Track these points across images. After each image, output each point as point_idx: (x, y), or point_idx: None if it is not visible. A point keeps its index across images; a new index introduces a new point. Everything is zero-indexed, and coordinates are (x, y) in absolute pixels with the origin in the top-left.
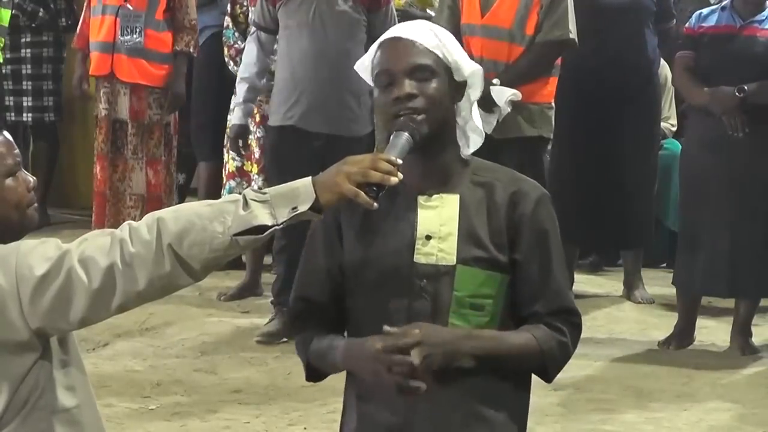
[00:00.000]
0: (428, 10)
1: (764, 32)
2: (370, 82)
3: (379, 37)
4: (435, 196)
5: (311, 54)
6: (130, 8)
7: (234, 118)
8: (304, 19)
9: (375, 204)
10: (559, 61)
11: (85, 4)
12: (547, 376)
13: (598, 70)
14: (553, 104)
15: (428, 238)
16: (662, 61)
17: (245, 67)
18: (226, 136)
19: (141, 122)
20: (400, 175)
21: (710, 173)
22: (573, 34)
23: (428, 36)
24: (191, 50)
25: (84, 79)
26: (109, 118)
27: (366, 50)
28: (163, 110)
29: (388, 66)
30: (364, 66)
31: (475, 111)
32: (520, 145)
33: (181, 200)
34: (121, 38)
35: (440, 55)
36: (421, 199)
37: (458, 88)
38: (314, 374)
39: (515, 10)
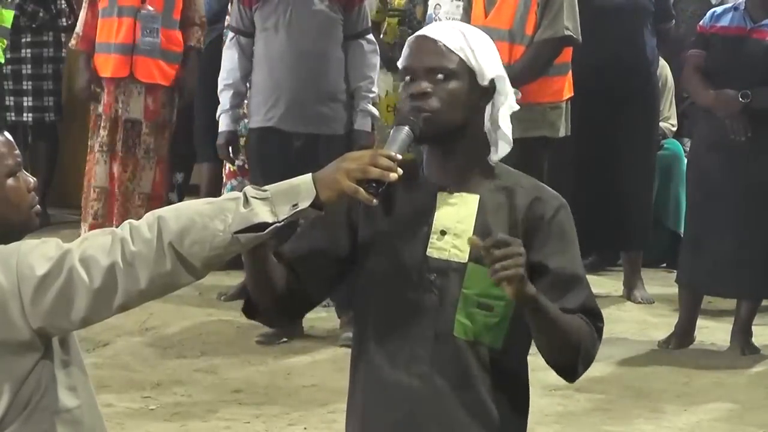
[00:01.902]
0: None
1: None
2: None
3: (352, 35)
4: (456, 193)
5: (289, 55)
6: (150, 9)
7: (222, 125)
8: (281, 20)
9: (374, 200)
10: (567, 59)
11: (84, 5)
12: (574, 373)
13: (597, 70)
14: (561, 104)
15: (443, 233)
16: (662, 61)
17: (228, 74)
18: None
19: (156, 122)
20: (400, 171)
21: (717, 174)
22: (570, 31)
23: (454, 37)
24: (201, 46)
25: (92, 82)
26: (123, 118)
27: (343, 49)
28: (173, 108)
29: (409, 63)
30: None
31: (504, 118)
32: (521, 145)
33: (180, 199)
34: (144, 39)
35: (463, 57)
36: (441, 195)
37: (484, 92)
38: (250, 307)
39: (515, 11)
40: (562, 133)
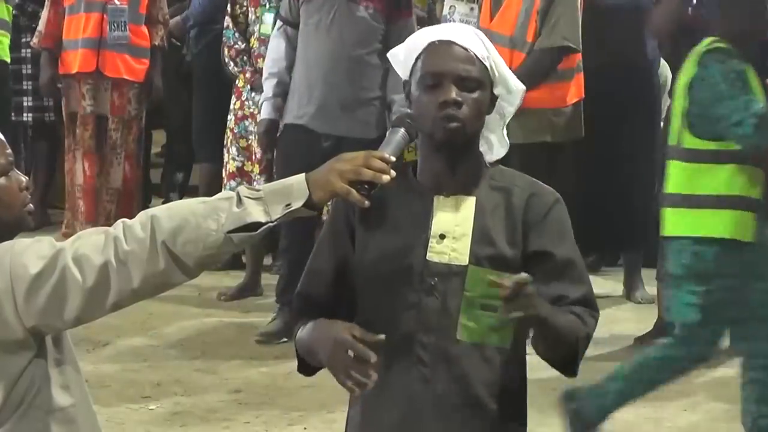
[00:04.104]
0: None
1: None
2: (403, 74)
3: (392, 47)
4: (452, 197)
5: (325, 56)
6: (117, 3)
7: (263, 112)
8: (323, 20)
9: (366, 202)
10: (572, 64)
11: (47, 4)
12: (574, 368)
13: (598, 70)
14: (565, 109)
15: (442, 237)
16: (662, 62)
17: (273, 62)
18: (225, 136)
19: (122, 117)
20: (393, 173)
21: None
22: (569, 41)
23: (479, 45)
24: (165, 44)
25: (55, 79)
26: (94, 114)
27: (380, 60)
28: (141, 105)
29: (437, 68)
30: (399, 58)
31: (503, 124)
32: (522, 151)
33: (180, 199)
34: (112, 34)
35: (488, 67)
36: (438, 199)
37: (493, 100)
38: (304, 365)
39: (517, 17)
40: (569, 137)
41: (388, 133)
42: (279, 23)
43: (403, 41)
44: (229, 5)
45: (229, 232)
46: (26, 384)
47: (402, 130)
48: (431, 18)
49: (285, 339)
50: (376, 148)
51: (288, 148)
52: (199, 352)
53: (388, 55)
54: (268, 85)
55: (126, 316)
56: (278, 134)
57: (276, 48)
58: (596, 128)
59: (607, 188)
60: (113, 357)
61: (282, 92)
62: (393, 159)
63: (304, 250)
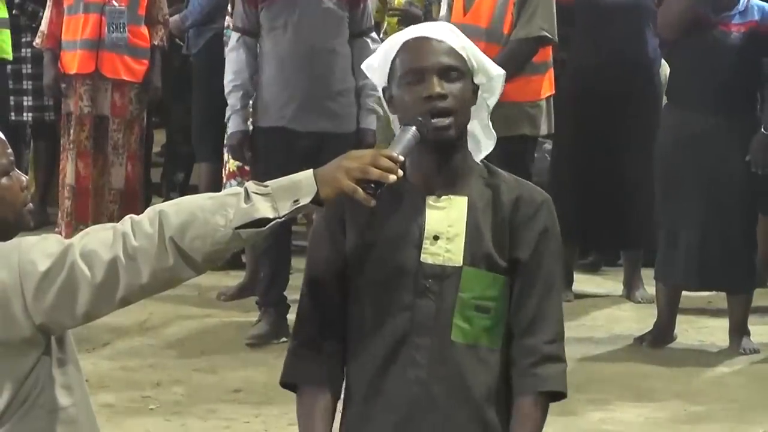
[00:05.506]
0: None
1: (738, 27)
2: (379, 82)
3: (357, 33)
4: (444, 197)
5: (299, 53)
6: (116, 5)
7: (232, 125)
8: (290, 19)
9: (372, 201)
10: (546, 58)
11: (49, 4)
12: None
13: (599, 69)
14: (540, 102)
15: (436, 238)
16: (663, 62)
17: (236, 75)
18: (225, 136)
19: (124, 118)
20: (401, 173)
21: (684, 167)
22: (546, 31)
23: (454, 37)
24: (165, 44)
25: (58, 79)
26: (91, 115)
27: (348, 47)
28: (142, 105)
29: (418, 64)
30: (373, 67)
31: (488, 116)
32: (500, 146)
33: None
34: (110, 35)
35: (465, 57)
36: (429, 200)
37: (475, 91)
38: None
39: (493, 9)
40: (543, 131)
41: (399, 131)
42: (236, 35)
43: (363, 25)
44: (229, 5)
45: (237, 227)
46: (31, 383)
47: (413, 128)
48: (428, 18)
49: (284, 339)
50: (354, 141)
51: (268, 152)
52: (199, 352)
53: (363, 66)
54: (234, 98)
55: (126, 316)
56: (252, 139)
57: (236, 60)
58: (597, 126)
59: (607, 186)
60: (113, 357)
61: (248, 103)
62: (402, 159)
63: (284, 250)
